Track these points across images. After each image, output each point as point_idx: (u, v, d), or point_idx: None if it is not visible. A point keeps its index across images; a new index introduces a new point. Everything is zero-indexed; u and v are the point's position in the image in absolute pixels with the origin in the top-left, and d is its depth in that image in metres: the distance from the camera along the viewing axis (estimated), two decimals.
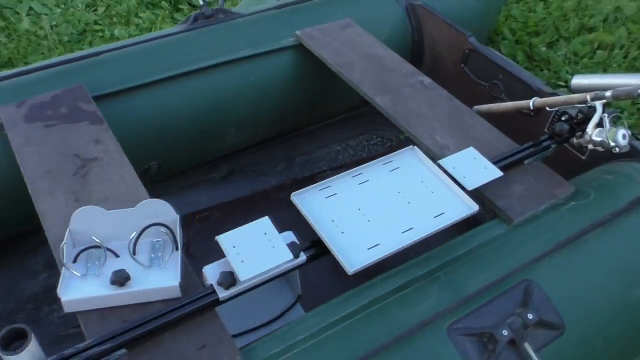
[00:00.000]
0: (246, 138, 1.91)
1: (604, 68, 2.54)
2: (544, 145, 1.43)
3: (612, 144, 1.27)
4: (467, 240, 1.23)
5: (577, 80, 1.48)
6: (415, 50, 2.08)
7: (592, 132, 1.31)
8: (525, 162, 1.40)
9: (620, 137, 1.26)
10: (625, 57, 2.61)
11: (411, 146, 1.33)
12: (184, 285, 1.06)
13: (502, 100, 1.82)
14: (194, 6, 3.08)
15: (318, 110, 2.10)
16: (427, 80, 1.68)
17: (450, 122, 1.53)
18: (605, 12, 2.87)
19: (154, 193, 1.23)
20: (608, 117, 1.33)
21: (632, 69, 2.56)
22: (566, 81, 2.46)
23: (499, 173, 1.29)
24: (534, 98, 1.47)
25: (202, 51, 1.75)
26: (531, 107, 1.47)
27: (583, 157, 1.63)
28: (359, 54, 1.76)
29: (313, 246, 1.12)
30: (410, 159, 1.31)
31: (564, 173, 1.39)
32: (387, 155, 1.31)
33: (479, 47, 1.83)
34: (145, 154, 1.72)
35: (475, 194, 1.25)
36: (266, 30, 1.85)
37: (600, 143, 1.29)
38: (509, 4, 2.85)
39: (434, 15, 1.96)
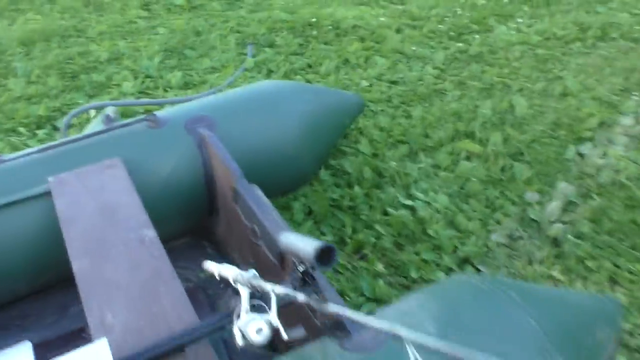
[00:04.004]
0: (5, 292, 1.76)
1: (463, 182, 2.29)
2: (215, 326, 1.21)
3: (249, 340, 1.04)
4: None
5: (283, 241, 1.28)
6: (209, 187, 1.93)
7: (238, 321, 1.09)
8: (187, 348, 1.18)
9: (253, 331, 1.03)
10: (487, 169, 2.35)
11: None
12: None
13: (259, 247, 1.62)
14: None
15: None
16: (151, 234, 1.51)
17: (140, 292, 1.34)
18: (487, 115, 2.64)
19: None
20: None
21: (489, 182, 2.29)
22: (414, 199, 2.22)
23: None
24: (205, 262, 1.28)
25: None
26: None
27: (317, 323, 1.39)
28: (97, 203, 1.62)
29: None
30: None
31: None
32: None
33: (240, 187, 1.66)
34: None
35: None
36: (23, 175, 1.75)
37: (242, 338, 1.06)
38: (378, 111, 2.68)
39: (212, 148, 1.82)
